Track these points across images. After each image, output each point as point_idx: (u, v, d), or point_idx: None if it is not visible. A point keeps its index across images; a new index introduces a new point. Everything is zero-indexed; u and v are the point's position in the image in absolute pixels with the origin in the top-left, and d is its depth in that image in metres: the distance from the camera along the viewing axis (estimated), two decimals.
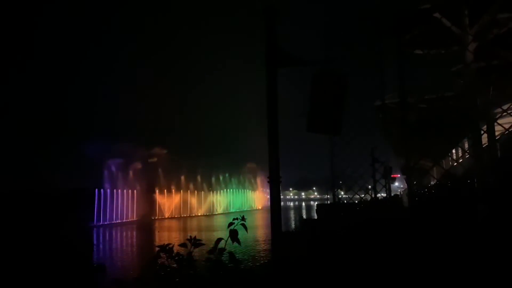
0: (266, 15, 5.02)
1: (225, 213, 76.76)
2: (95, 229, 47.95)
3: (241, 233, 2.56)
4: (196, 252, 2.57)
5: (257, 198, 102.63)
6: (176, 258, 2.45)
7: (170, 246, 2.48)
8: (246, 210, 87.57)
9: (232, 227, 2.52)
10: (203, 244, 2.54)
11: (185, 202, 72.56)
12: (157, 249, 2.50)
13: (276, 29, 5.16)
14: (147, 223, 55.69)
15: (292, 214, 64.87)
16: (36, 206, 45.64)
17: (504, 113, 6.91)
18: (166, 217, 67.09)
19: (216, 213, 79.21)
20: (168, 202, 69.38)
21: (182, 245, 2.50)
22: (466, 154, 11.79)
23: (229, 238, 2.48)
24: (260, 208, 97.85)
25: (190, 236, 2.49)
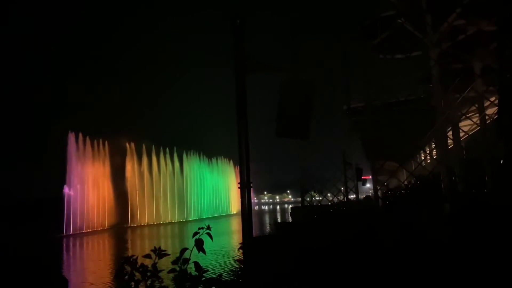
0: (234, 22, 5.03)
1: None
2: (64, 239, 46.35)
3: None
4: (163, 261, 2.54)
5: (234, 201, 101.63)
6: (141, 269, 2.41)
7: (134, 257, 2.44)
8: (224, 215, 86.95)
9: (197, 236, 2.50)
10: (169, 255, 2.51)
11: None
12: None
13: (244, 36, 5.17)
14: (120, 231, 54.27)
15: (266, 218, 64.86)
16: None
17: (463, 117, 7.19)
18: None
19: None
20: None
21: (146, 256, 2.47)
22: (434, 155, 12.16)
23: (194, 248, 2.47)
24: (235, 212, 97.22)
25: (155, 247, 2.46)
